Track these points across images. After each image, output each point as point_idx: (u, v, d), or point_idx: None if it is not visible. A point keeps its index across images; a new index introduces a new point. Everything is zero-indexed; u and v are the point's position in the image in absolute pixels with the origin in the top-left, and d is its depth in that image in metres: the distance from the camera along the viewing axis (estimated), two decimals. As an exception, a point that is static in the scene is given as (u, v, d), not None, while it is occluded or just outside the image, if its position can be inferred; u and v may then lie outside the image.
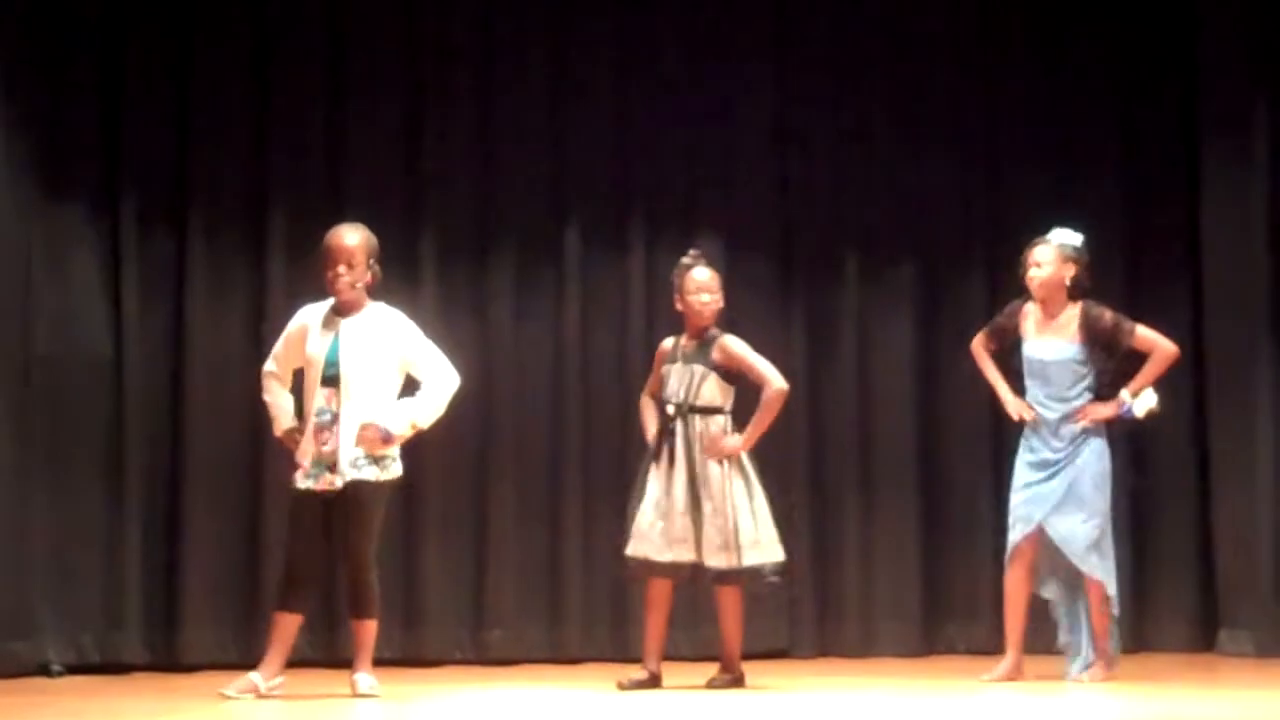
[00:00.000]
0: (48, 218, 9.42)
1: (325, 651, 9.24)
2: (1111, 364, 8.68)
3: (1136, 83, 10.62)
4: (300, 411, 8.18)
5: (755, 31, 10.40)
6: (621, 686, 8.25)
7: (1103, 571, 8.60)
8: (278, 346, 8.27)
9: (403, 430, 8.10)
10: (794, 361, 10.28)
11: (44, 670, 9.16)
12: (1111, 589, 8.60)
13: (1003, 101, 10.58)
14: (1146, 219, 10.56)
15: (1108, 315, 8.66)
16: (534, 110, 10.12)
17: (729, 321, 9.71)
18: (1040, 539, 8.63)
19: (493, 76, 10.08)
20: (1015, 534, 8.64)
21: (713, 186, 10.27)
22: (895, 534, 10.27)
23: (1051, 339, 8.66)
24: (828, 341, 10.38)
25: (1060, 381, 8.62)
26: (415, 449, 9.75)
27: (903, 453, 10.33)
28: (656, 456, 8.34)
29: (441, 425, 9.60)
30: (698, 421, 8.35)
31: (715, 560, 8.25)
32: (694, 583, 8.45)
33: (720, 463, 8.31)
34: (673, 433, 8.34)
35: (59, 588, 9.28)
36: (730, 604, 8.37)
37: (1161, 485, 10.46)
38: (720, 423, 8.37)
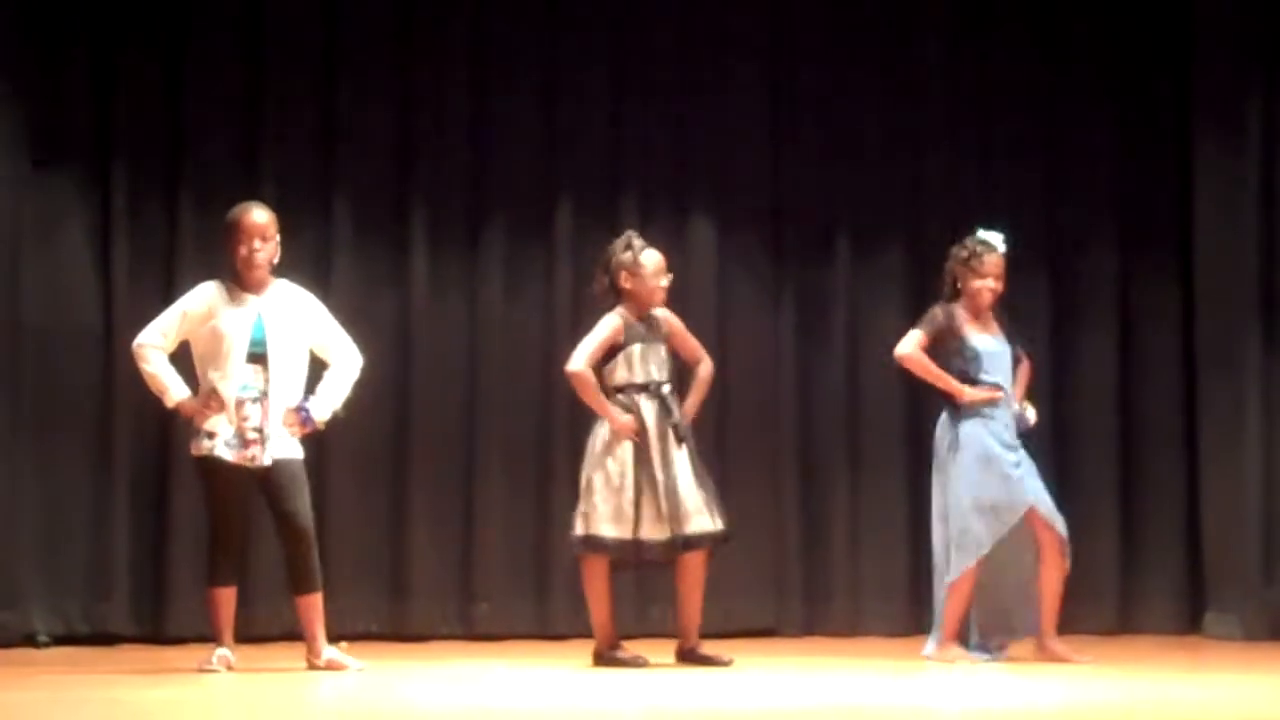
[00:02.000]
0: (38, 190, 9.43)
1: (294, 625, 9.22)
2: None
3: (1129, 74, 10.63)
4: (195, 388, 8.10)
5: (749, 13, 10.39)
6: (601, 660, 8.26)
7: (1060, 523, 8.65)
8: (169, 319, 8.14)
9: (324, 417, 8.13)
10: (784, 343, 10.31)
11: (31, 641, 9.18)
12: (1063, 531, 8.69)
13: (995, 89, 10.59)
14: (1137, 210, 10.57)
15: (1005, 319, 8.84)
16: (525, 90, 10.11)
17: (720, 304, 9.80)
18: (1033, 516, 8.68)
19: (485, 56, 10.08)
20: (988, 534, 8.60)
21: (704, 167, 10.28)
22: (883, 514, 10.29)
23: (991, 336, 8.77)
24: (818, 323, 10.39)
25: (1009, 374, 8.75)
26: (404, 424, 9.80)
27: (891, 433, 10.35)
28: (657, 435, 8.30)
29: (432, 401, 9.66)
30: (669, 398, 8.35)
31: (696, 525, 8.24)
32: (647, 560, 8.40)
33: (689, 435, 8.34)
34: (671, 410, 8.32)
35: (47, 559, 9.29)
36: (701, 569, 8.35)
37: (1149, 469, 10.49)
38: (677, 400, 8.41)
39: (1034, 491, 8.64)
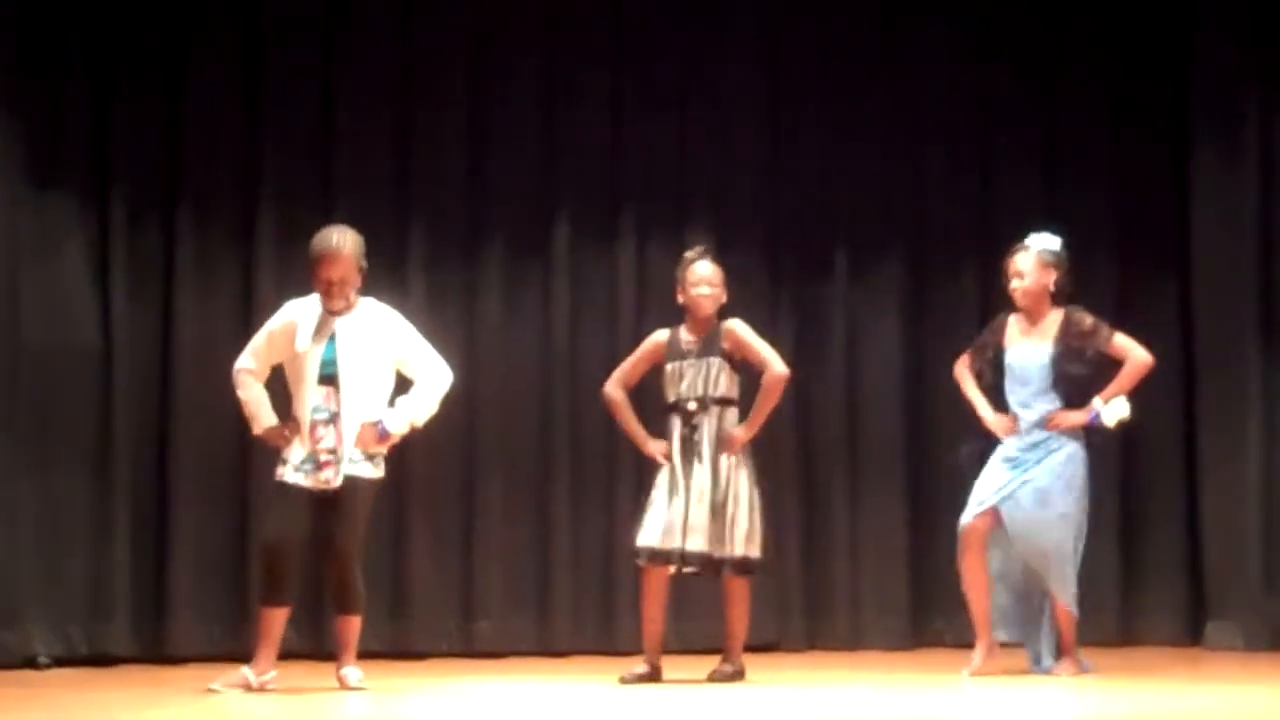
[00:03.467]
0: (36, 209, 9.42)
1: (312, 644, 9.22)
2: (1087, 370, 8.65)
3: (1127, 82, 10.65)
4: (279, 408, 8.11)
5: (746, 29, 10.41)
6: (624, 680, 8.23)
7: (1057, 577, 8.53)
8: (258, 342, 8.19)
9: (401, 429, 8.10)
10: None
11: (31, 662, 9.16)
12: (1065, 596, 8.54)
13: (993, 99, 10.61)
14: (1136, 217, 10.60)
15: (1088, 319, 8.67)
16: (524, 105, 10.12)
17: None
18: (994, 523, 8.62)
19: (484, 73, 10.08)
20: (966, 514, 8.62)
21: (702, 183, 10.28)
22: (883, 528, 10.30)
23: (1032, 343, 8.69)
24: (816, 337, 10.40)
25: (1038, 382, 8.64)
26: (404, 443, 9.79)
27: (891, 447, 10.36)
28: (680, 453, 8.27)
29: (431, 419, 9.64)
30: (716, 414, 8.32)
31: (739, 550, 8.22)
32: (700, 575, 8.36)
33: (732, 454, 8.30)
34: (696, 427, 8.29)
35: (47, 579, 9.27)
36: (743, 594, 8.34)
37: (1149, 480, 10.49)
38: (734, 414, 8.34)
39: (1006, 500, 8.57)
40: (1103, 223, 10.49)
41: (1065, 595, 8.52)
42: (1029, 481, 8.58)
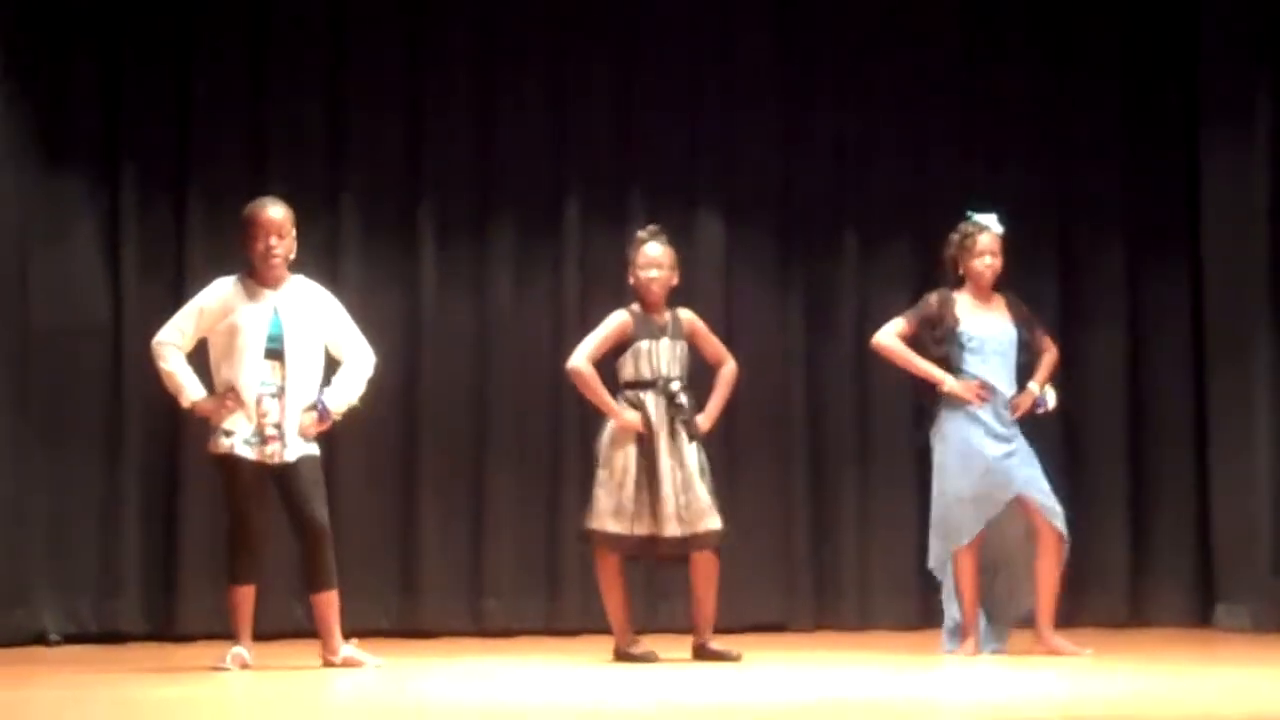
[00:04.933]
0: (47, 191, 9.44)
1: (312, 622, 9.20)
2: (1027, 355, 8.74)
3: (1137, 66, 10.62)
4: (210, 385, 8.07)
5: (757, 7, 10.39)
6: (620, 657, 8.25)
7: (1059, 517, 8.59)
8: (186, 317, 8.09)
9: (340, 409, 8.12)
10: (793, 337, 10.31)
11: (42, 639, 9.19)
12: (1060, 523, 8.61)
13: (1004, 84, 10.58)
14: (1146, 203, 10.57)
15: (1024, 305, 8.76)
16: (534, 83, 10.12)
17: (728, 297, 9.77)
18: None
19: (493, 50, 10.08)
20: (973, 521, 8.58)
21: (712, 161, 10.28)
22: (891, 508, 10.29)
23: (991, 318, 8.69)
24: (826, 317, 10.39)
25: (1007, 358, 8.66)
26: (413, 421, 9.80)
27: (900, 427, 10.32)
28: (644, 432, 8.28)
29: (441, 397, 9.65)
30: (684, 396, 8.35)
31: (707, 524, 8.24)
32: (658, 556, 8.38)
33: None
34: (682, 407, 8.30)
35: (57, 557, 9.30)
36: (713, 567, 8.35)
37: (1159, 462, 10.48)
38: (690, 397, 8.40)
39: (1026, 482, 8.56)
40: (1113, 208, 10.47)
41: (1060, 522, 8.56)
42: (1021, 456, 8.59)
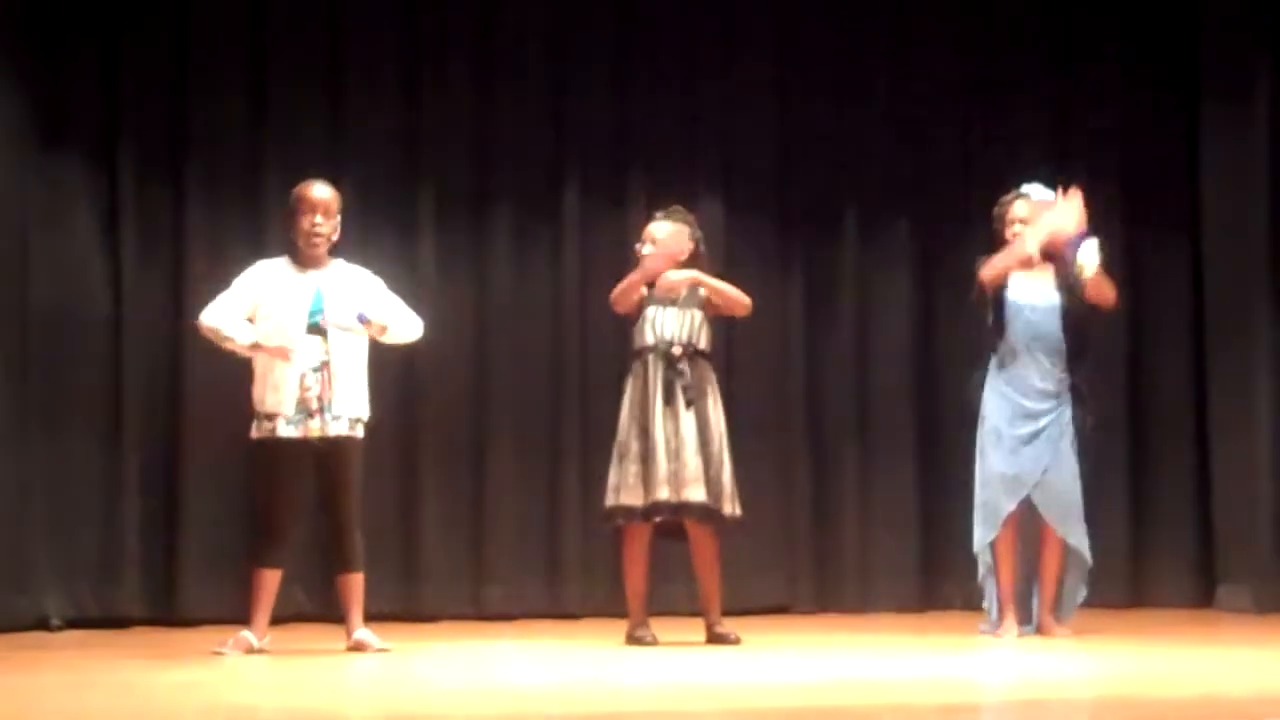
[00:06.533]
0: (45, 174, 9.41)
1: (322, 606, 9.21)
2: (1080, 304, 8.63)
3: (1137, 44, 10.62)
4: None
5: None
6: (633, 640, 8.25)
7: (1078, 536, 8.57)
8: (229, 299, 8.07)
9: (380, 321, 8.06)
10: (792, 320, 10.30)
11: (43, 624, 9.18)
12: (1085, 549, 8.59)
13: (1003, 62, 10.57)
14: (1146, 181, 10.56)
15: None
16: (533, 66, 10.10)
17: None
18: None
19: (491, 33, 10.06)
20: (1007, 501, 8.57)
21: (712, 144, 10.27)
22: (893, 491, 10.29)
23: (1035, 287, 8.65)
24: (826, 299, 10.39)
25: (1051, 329, 8.60)
26: (415, 403, 9.78)
27: (901, 410, 10.35)
28: (662, 399, 8.27)
29: (441, 382, 9.62)
30: (700, 364, 8.33)
31: (691, 493, 8.20)
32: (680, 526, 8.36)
33: (713, 407, 8.29)
34: (682, 372, 8.29)
35: (58, 542, 9.28)
36: (707, 546, 8.33)
37: (1160, 443, 10.48)
38: (710, 368, 8.37)
39: (1039, 485, 8.53)
40: (1113, 186, 10.46)
41: (1085, 549, 8.54)
42: (1050, 446, 8.55)
